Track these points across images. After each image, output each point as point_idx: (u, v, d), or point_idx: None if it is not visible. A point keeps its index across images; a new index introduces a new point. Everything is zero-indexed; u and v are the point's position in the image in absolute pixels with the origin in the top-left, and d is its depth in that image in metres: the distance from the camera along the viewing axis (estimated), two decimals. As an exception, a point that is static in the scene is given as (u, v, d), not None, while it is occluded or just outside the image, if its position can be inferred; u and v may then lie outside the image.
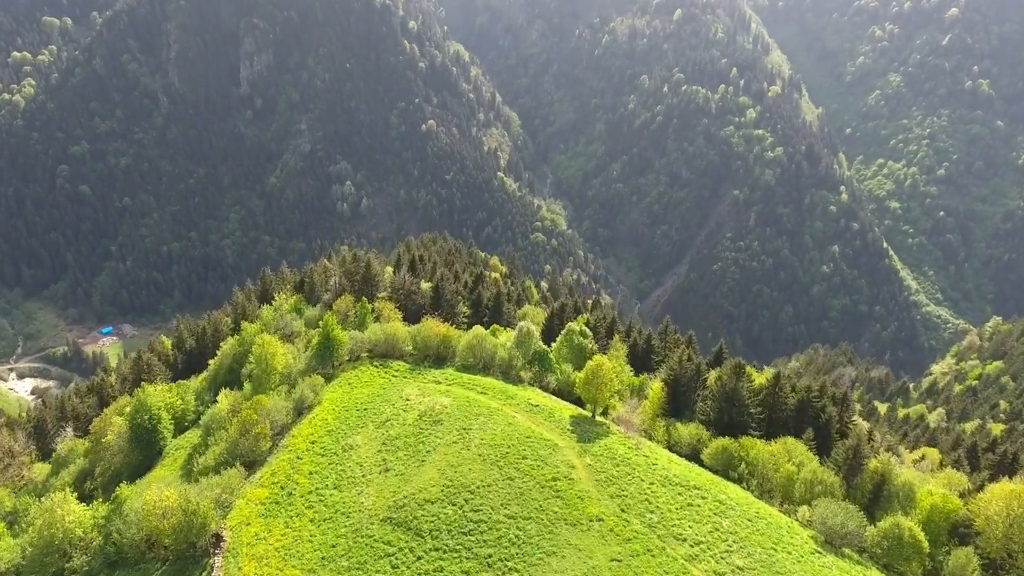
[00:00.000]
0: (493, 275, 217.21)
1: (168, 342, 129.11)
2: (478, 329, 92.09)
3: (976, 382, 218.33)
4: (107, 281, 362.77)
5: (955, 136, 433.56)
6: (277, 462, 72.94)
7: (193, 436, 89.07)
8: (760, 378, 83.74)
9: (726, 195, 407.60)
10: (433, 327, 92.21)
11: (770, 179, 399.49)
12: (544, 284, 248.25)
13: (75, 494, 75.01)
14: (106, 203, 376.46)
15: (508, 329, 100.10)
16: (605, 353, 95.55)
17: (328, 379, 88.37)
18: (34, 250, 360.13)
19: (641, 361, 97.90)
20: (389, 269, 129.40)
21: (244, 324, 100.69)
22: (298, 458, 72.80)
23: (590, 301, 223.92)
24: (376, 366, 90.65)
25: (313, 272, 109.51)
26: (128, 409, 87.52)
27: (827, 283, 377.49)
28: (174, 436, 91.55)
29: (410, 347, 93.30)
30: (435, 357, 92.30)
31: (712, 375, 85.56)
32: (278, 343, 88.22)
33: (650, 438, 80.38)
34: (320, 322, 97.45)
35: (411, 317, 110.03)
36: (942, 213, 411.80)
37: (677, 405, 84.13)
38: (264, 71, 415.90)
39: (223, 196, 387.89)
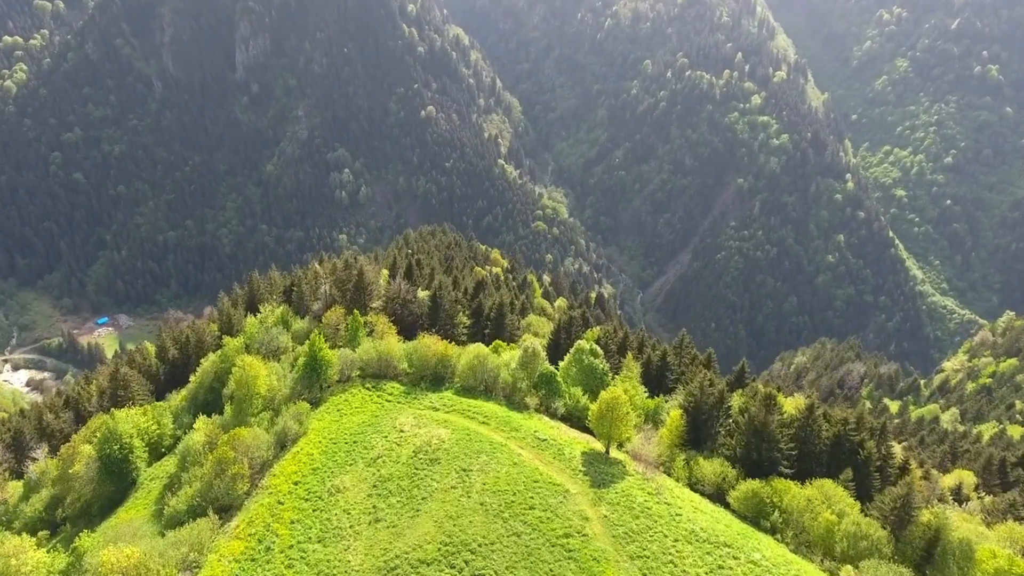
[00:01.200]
0: (495, 270, 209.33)
1: (152, 349, 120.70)
2: (479, 348, 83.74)
3: (990, 380, 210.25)
4: (102, 271, 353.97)
5: (963, 123, 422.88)
6: (256, 507, 64.86)
7: (170, 464, 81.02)
8: (789, 405, 75.55)
9: (730, 183, 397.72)
10: (430, 345, 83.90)
11: (775, 167, 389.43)
12: (547, 278, 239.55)
13: (34, 540, 66.88)
14: (100, 191, 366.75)
15: (511, 345, 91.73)
16: (617, 373, 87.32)
17: (315, 404, 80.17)
18: (28, 239, 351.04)
19: (656, 380, 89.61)
20: (385, 272, 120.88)
21: (226, 339, 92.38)
22: (279, 503, 64.71)
23: (599, 313, 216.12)
24: (368, 388, 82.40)
25: (302, 280, 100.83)
26: (98, 435, 79.46)
27: (832, 273, 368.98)
28: (150, 463, 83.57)
29: (405, 366, 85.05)
30: (432, 377, 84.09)
31: (735, 400, 77.33)
32: (260, 365, 79.91)
33: (668, 472, 72.32)
34: (307, 340, 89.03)
35: (407, 329, 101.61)
36: (949, 202, 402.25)
37: (697, 434, 76.00)
38: (260, 56, 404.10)
39: (219, 184, 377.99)
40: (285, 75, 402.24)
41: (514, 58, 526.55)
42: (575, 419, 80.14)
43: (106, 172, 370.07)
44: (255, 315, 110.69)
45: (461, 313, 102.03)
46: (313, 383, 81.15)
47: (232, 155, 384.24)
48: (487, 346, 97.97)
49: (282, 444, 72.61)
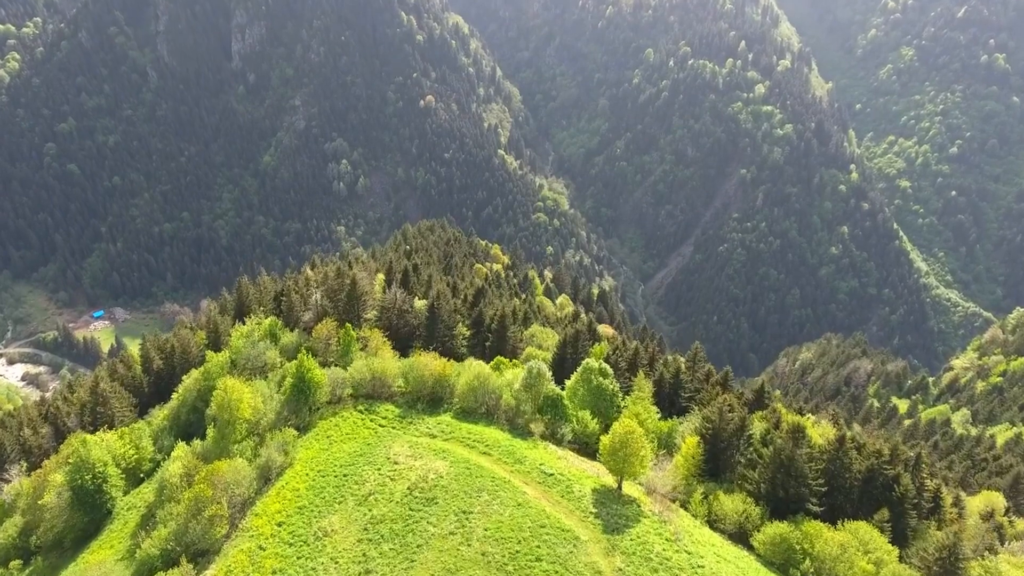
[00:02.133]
0: (495, 267, 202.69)
1: (136, 356, 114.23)
2: (479, 367, 77.32)
3: (1000, 379, 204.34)
4: (98, 263, 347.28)
5: (969, 112, 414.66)
6: (235, 553, 58.73)
7: (148, 491, 74.93)
8: (815, 434, 69.33)
9: (733, 174, 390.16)
10: (427, 364, 77.45)
11: (778, 157, 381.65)
12: (548, 273, 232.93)
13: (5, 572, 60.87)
14: (95, 182, 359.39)
15: (514, 361, 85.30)
16: (628, 393, 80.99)
17: (303, 429, 73.88)
18: (22, 231, 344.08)
19: (668, 399, 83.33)
20: (381, 277, 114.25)
21: (209, 355, 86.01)
22: (260, 548, 58.59)
23: (602, 310, 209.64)
24: (360, 411, 76.07)
25: (291, 289, 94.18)
26: (70, 462, 73.25)
27: (835, 265, 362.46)
28: (127, 491, 77.44)
29: (401, 384, 78.66)
30: (430, 398, 77.76)
31: (756, 426, 71.07)
32: (244, 387, 73.51)
33: (685, 506, 66.24)
34: (296, 358, 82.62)
35: (403, 341, 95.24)
36: (954, 193, 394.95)
37: (716, 463, 69.87)
38: (256, 44, 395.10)
39: (215, 175, 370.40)
40: (282, 64, 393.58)
41: (514, 46, 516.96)
42: (583, 445, 74.01)
43: (101, 163, 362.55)
44: (243, 323, 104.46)
45: (461, 324, 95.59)
46: (301, 406, 74.79)
47: (228, 146, 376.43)
48: (488, 359, 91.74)
49: (266, 477, 66.36)
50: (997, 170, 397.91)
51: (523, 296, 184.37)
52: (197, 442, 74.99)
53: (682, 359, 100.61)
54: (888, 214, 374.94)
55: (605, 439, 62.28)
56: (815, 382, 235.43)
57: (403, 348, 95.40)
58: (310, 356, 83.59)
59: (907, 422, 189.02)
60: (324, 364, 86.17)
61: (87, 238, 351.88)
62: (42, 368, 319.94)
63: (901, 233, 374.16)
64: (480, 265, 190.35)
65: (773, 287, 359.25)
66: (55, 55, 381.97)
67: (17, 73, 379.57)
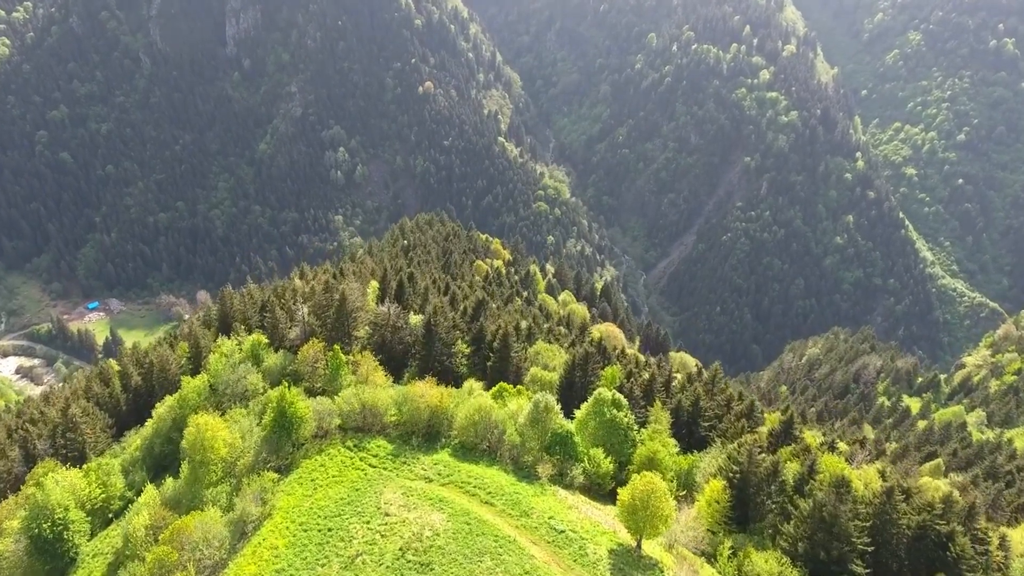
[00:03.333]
0: (496, 263, 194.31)
1: (116, 367, 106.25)
2: (480, 400, 69.36)
3: (1015, 378, 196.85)
4: (92, 254, 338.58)
5: (977, 99, 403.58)
6: (202, 629, 51.41)
7: (116, 536, 67.35)
8: (854, 476, 61.52)
9: (737, 162, 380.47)
10: (423, 394, 69.50)
11: (783, 145, 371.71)
12: (549, 267, 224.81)
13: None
14: (88, 171, 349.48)
15: (519, 388, 77.27)
16: (643, 425, 73.16)
17: (285, 470, 66.10)
18: (14, 221, 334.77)
19: (686, 427, 75.67)
20: (375, 285, 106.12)
21: (185, 381, 78.07)
22: (232, 622, 51.27)
23: (605, 306, 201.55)
24: (349, 447, 68.23)
25: (275, 304, 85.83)
26: (27, 507, 65.60)
27: (840, 255, 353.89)
28: (94, 534, 69.83)
29: (394, 413, 70.72)
30: (426, 432, 69.92)
31: (789, 467, 63.25)
32: (219, 423, 65.74)
33: (711, 560, 58.71)
34: (279, 386, 74.71)
35: (397, 360, 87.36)
36: (960, 181, 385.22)
37: (744, 510, 62.22)
38: (251, 30, 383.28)
39: (211, 164, 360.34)
40: (277, 50, 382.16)
41: (514, 31, 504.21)
42: (596, 487, 66.31)
43: (94, 151, 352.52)
44: (228, 336, 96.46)
45: (460, 340, 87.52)
46: (282, 444, 66.89)
47: (224, 133, 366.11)
48: (489, 380, 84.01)
49: (241, 533, 58.59)
50: (1005, 158, 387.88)
51: (524, 294, 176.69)
52: (169, 482, 67.21)
53: (697, 369, 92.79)
54: (894, 203, 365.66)
55: (623, 494, 54.41)
56: (822, 379, 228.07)
57: (398, 367, 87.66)
58: (294, 384, 75.98)
59: (921, 424, 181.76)
60: (310, 391, 78.38)
61: (81, 228, 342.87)
62: (36, 361, 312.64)
63: (907, 222, 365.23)
64: (480, 262, 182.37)
65: (777, 277, 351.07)
66: (46, 40, 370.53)
67: (7, 59, 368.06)
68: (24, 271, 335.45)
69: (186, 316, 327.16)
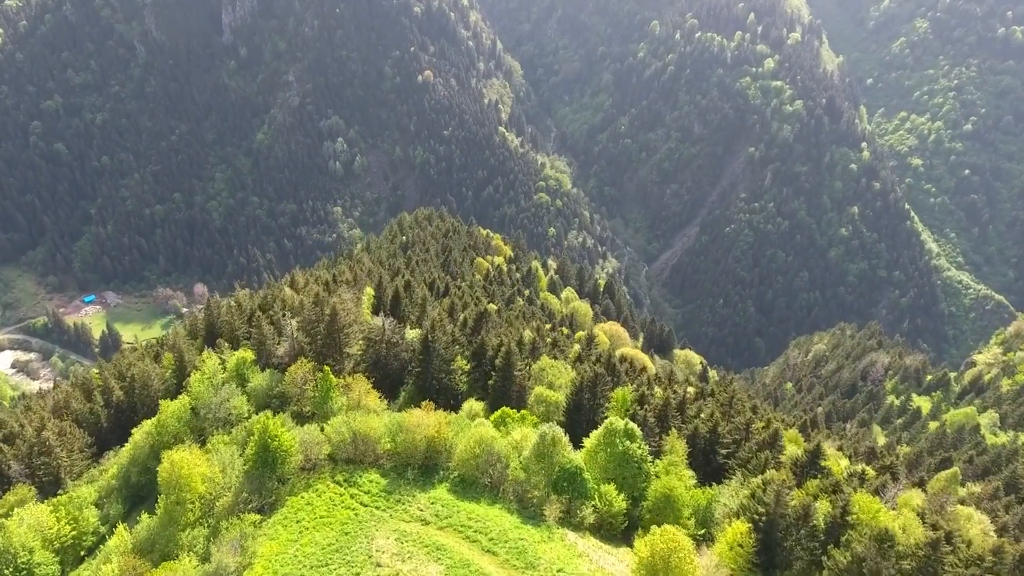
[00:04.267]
0: (497, 260, 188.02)
1: (97, 379, 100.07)
2: (481, 430, 63.36)
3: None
4: (88, 246, 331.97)
5: (984, 88, 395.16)
6: None
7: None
8: (892, 520, 55.69)
9: (741, 152, 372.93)
10: (419, 422, 63.52)
11: (788, 135, 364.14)
12: (551, 263, 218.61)
13: None
14: (83, 162, 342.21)
15: (523, 413, 71.25)
16: (658, 456, 67.20)
17: (268, 509, 60.24)
18: (9, 213, 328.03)
19: (703, 455, 69.78)
20: (370, 292, 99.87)
21: (163, 405, 72.15)
22: None
23: (608, 303, 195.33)
24: (339, 482, 62.33)
25: (261, 320, 79.59)
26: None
27: (845, 247, 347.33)
28: (64, 574, 64.12)
29: (388, 444, 64.74)
30: (422, 464, 64.03)
31: (821, 506, 57.35)
32: (196, 458, 59.90)
33: (733, 612, 53.04)
34: (265, 411, 68.85)
35: (393, 377, 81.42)
36: (967, 171, 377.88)
37: (769, 555, 56.45)
38: (248, 17, 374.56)
39: (207, 154, 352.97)
40: (274, 38, 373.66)
41: (515, 18, 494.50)
42: (607, 527, 60.47)
43: (88, 142, 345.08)
44: (215, 348, 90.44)
45: (459, 358, 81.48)
46: (265, 481, 60.94)
47: (220, 123, 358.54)
48: (491, 400, 78.13)
49: (218, 585, 52.79)
50: (1012, 148, 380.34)
51: (526, 292, 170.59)
52: (143, 521, 61.26)
53: (713, 389, 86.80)
54: (900, 194, 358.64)
55: (641, 548, 48.54)
56: (829, 376, 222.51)
57: (393, 385, 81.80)
58: (282, 407, 70.16)
59: (932, 425, 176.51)
60: (298, 415, 72.50)
61: (76, 220, 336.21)
62: (32, 355, 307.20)
63: (912, 213, 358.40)
64: (481, 259, 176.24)
65: (781, 269, 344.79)
66: (39, 29, 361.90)
67: (0, 48, 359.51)
68: (19, 264, 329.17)
69: (184, 309, 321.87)
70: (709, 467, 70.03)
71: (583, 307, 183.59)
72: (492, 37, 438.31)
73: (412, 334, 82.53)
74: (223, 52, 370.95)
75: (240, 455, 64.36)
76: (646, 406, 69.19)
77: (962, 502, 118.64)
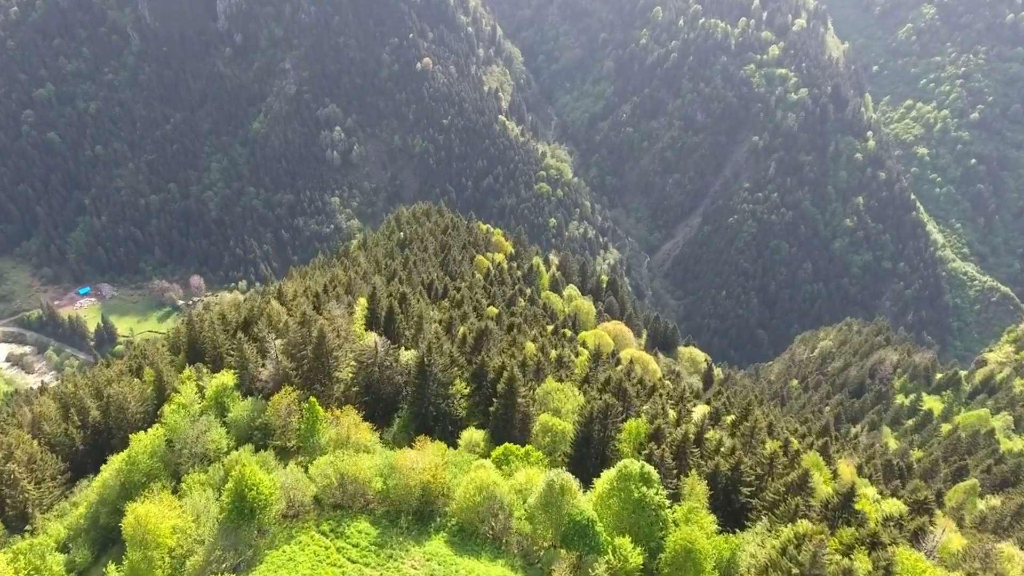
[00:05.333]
0: (497, 257, 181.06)
1: (73, 394, 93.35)
2: (481, 474, 56.84)
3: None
4: (82, 237, 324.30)
5: (992, 75, 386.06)
6: None
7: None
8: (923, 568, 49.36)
9: (744, 141, 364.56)
10: (412, 466, 57.00)
11: (792, 124, 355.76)
12: (553, 258, 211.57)
13: None
14: (77, 152, 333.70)
15: (527, 449, 64.77)
16: (676, 500, 60.71)
17: (246, 567, 53.86)
18: (2, 204, 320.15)
19: (724, 496, 63.37)
20: (363, 303, 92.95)
21: (134, 440, 65.69)
22: None
23: (611, 300, 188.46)
24: (325, 533, 56.01)
25: (243, 343, 72.60)
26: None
27: (849, 238, 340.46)
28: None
29: (379, 484, 58.27)
30: (418, 510, 57.61)
31: (859, 565, 51.01)
32: (165, 510, 53.54)
33: None
34: (246, 445, 62.40)
35: (387, 403, 74.82)
36: (973, 161, 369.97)
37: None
38: (243, 3, 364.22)
39: (203, 144, 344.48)
40: (271, 24, 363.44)
41: (515, 3, 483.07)
42: (621, 583, 54.12)
43: (82, 131, 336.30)
44: (196, 367, 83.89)
45: (458, 380, 74.84)
46: (242, 535, 54.45)
47: (216, 112, 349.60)
48: (491, 428, 71.65)
49: (185, 664, 46.53)
50: (1020, 137, 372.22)
51: (528, 292, 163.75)
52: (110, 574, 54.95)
53: (734, 421, 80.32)
54: (905, 184, 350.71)
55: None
56: (836, 373, 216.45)
57: (387, 410, 75.21)
58: (260, 451, 63.62)
59: (944, 428, 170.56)
60: (282, 450, 66.00)
61: (70, 211, 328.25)
62: (27, 349, 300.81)
63: (918, 204, 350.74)
64: (481, 256, 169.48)
65: (784, 261, 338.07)
66: (30, 15, 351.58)
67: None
68: (13, 255, 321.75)
69: (180, 302, 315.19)
70: (731, 507, 63.66)
71: (586, 305, 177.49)
72: (492, 23, 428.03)
73: (407, 356, 75.81)
74: (218, 39, 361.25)
75: (216, 498, 57.88)
76: (663, 445, 62.52)
77: (983, 519, 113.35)
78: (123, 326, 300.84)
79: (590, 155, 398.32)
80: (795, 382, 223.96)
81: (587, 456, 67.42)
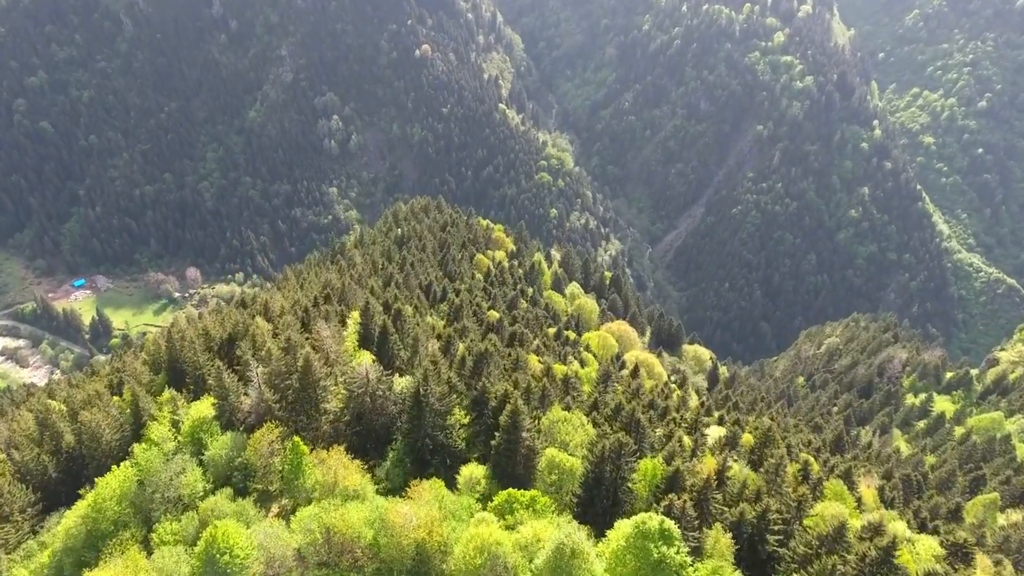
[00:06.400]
0: (498, 254, 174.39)
1: (47, 415, 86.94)
2: (482, 532, 50.62)
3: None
4: (76, 228, 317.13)
5: (1000, 63, 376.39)
6: None
7: None
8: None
9: (748, 130, 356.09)
10: (405, 522, 50.80)
11: (797, 112, 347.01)
12: (555, 253, 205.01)
13: None
14: (70, 141, 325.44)
15: (533, 496, 58.42)
16: (699, 551, 54.54)
17: (219, 640, 47.93)
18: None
19: (749, 546, 57.23)
20: (356, 317, 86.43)
21: (100, 484, 59.30)
22: None
23: (615, 297, 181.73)
24: (309, 596, 50.09)
25: (220, 370, 66.12)
26: None
27: (854, 229, 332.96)
28: None
29: (370, 537, 52.18)
30: (412, 570, 51.49)
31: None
32: (129, 574, 47.38)
33: None
34: (226, 488, 56.16)
35: (378, 436, 68.54)
36: (980, 150, 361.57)
37: None
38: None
39: (198, 133, 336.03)
40: (266, 10, 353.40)
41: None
42: (638, 657, 48.10)
43: (75, 120, 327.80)
44: (179, 391, 77.67)
45: (457, 409, 68.47)
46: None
47: (211, 100, 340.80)
48: (493, 464, 65.37)
49: None
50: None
51: (530, 291, 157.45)
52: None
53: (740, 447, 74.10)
54: (911, 174, 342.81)
55: None
56: (843, 372, 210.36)
57: (380, 444, 68.95)
58: (246, 482, 57.36)
59: (958, 431, 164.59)
60: (264, 494, 59.75)
61: (64, 201, 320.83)
62: (21, 342, 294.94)
63: (924, 194, 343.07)
64: (481, 255, 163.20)
65: (788, 252, 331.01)
66: (20, 1, 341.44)
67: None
68: (6, 247, 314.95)
69: (176, 294, 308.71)
70: (755, 555, 57.54)
71: (589, 304, 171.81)
72: (492, 9, 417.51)
73: (401, 383, 69.33)
74: (212, 25, 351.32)
75: (188, 556, 51.66)
76: (683, 496, 56.17)
77: (1007, 538, 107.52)
78: (118, 319, 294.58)
79: (591, 144, 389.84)
80: (801, 379, 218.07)
81: (598, 498, 61.29)
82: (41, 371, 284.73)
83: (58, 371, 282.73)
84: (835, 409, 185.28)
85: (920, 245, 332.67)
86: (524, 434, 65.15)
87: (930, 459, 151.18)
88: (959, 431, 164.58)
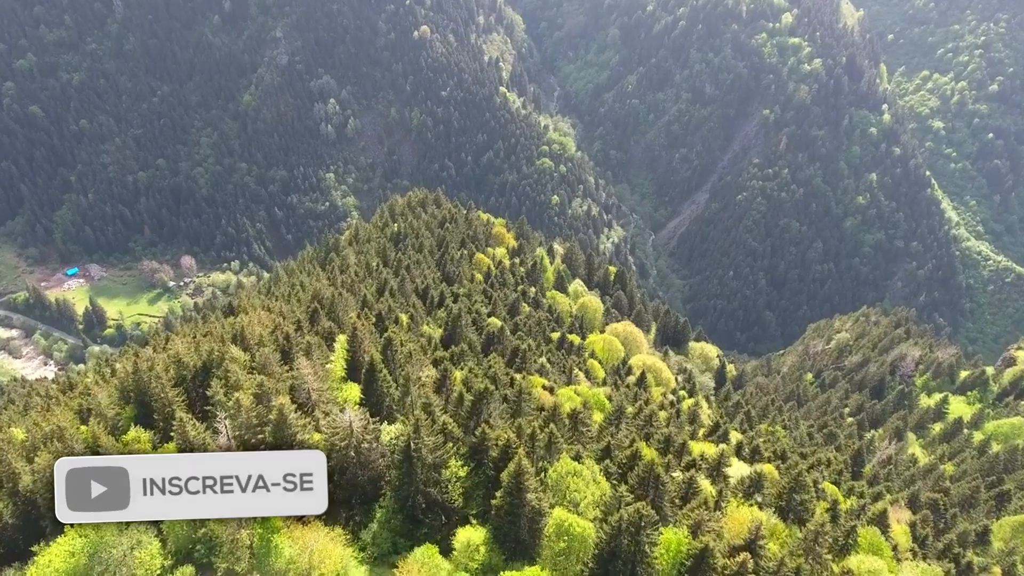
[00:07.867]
0: (499, 252, 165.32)
1: (19, 436, 78.66)
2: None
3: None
4: (68, 216, 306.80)
5: (1013, 45, 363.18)
6: None
7: None
8: None
9: (755, 114, 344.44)
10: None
11: (805, 96, 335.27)
12: (558, 248, 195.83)
13: None
14: (61, 126, 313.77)
15: (537, 567, 50.26)
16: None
17: None
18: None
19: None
20: (343, 339, 77.63)
21: (40, 559, 51.03)
22: None
23: (620, 294, 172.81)
24: None
25: (186, 424, 57.54)
26: None
27: (861, 216, 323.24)
28: None
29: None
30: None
31: None
32: None
33: None
34: (187, 566, 47.69)
35: (364, 493, 60.01)
36: (991, 135, 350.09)
37: None
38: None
39: (192, 117, 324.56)
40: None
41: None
42: None
43: (66, 104, 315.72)
44: (146, 427, 68.93)
45: (454, 462, 59.90)
46: None
47: (205, 84, 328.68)
48: (494, 526, 57.07)
49: None
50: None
51: (532, 292, 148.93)
52: None
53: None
54: (920, 160, 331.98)
55: None
56: (854, 369, 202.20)
57: (366, 501, 60.48)
58: (209, 557, 48.94)
59: (976, 437, 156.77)
60: (229, 574, 51.33)
61: (55, 188, 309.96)
62: (14, 332, 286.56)
63: (933, 181, 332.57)
64: (481, 255, 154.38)
65: (794, 240, 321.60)
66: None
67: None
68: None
69: (171, 283, 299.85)
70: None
71: (593, 303, 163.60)
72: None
73: (390, 433, 60.62)
74: (205, 6, 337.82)
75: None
76: (696, 513, 47.76)
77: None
78: (112, 309, 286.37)
79: (594, 128, 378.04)
80: (809, 376, 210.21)
81: (612, 573, 52.95)
82: (35, 362, 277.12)
83: (51, 362, 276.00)
84: (846, 411, 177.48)
85: (928, 233, 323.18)
86: (529, 495, 56.63)
87: (949, 467, 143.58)
88: (977, 437, 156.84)
